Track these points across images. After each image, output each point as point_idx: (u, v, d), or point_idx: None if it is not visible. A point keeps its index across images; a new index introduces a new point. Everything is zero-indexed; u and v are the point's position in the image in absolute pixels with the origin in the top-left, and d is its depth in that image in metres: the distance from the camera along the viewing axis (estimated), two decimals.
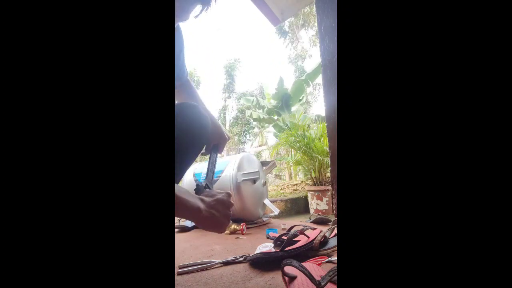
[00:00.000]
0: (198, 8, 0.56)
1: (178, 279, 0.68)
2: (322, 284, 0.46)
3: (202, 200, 0.49)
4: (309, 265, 0.61)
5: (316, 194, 1.96)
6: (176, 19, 0.55)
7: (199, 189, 0.54)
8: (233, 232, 1.27)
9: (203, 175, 1.52)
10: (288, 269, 0.56)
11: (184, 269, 0.72)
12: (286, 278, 0.54)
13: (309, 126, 2.57)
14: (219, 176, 1.46)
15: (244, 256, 0.79)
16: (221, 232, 0.51)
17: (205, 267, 0.74)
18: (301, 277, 0.53)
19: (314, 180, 2.15)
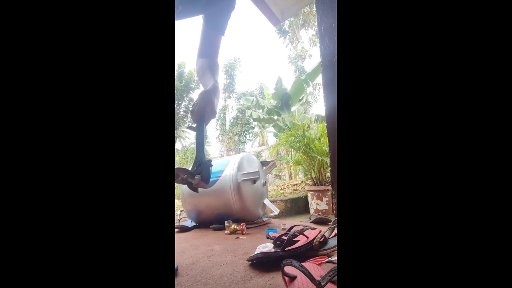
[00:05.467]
0: None
1: (178, 279, 0.68)
2: (322, 284, 0.46)
3: None
4: (309, 265, 0.61)
5: (316, 194, 1.96)
6: None
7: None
8: (233, 232, 1.27)
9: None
10: (288, 269, 0.56)
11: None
12: (286, 278, 0.54)
13: (309, 126, 2.57)
14: (219, 176, 1.45)
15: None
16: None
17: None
18: (301, 277, 0.53)
19: (314, 180, 2.15)
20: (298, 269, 0.48)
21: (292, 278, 0.53)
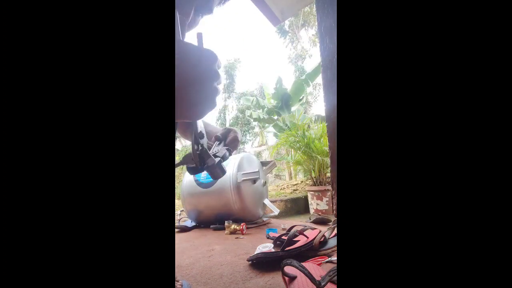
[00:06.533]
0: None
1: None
2: (322, 284, 0.46)
3: None
4: (309, 265, 0.61)
5: (316, 194, 1.96)
6: (199, 13, 0.48)
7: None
8: (233, 232, 1.27)
9: (203, 175, 1.52)
10: (288, 269, 0.56)
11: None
12: (286, 278, 0.54)
13: (309, 126, 2.57)
14: None
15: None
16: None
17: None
18: (301, 277, 0.53)
19: (314, 180, 2.15)
20: (298, 269, 0.48)
21: (292, 278, 0.53)
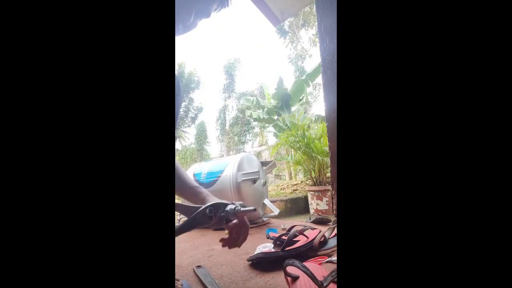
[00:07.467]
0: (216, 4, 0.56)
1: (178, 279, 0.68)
2: (325, 284, 0.46)
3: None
4: (311, 265, 0.61)
5: (316, 194, 1.96)
6: (198, 17, 0.55)
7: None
8: None
9: (203, 175, 1.52)
10: (291, 269, 0.56)
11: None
12: (289, 278, 0.54)
13: (309, 126, 2.57)
14: (219, 176, 1.45)
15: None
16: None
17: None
18: (303, 277, 0.53)
19: (314, 180, 2.15)
20: (300, 270, 0.48)
21: (295, 278, 0.53)
